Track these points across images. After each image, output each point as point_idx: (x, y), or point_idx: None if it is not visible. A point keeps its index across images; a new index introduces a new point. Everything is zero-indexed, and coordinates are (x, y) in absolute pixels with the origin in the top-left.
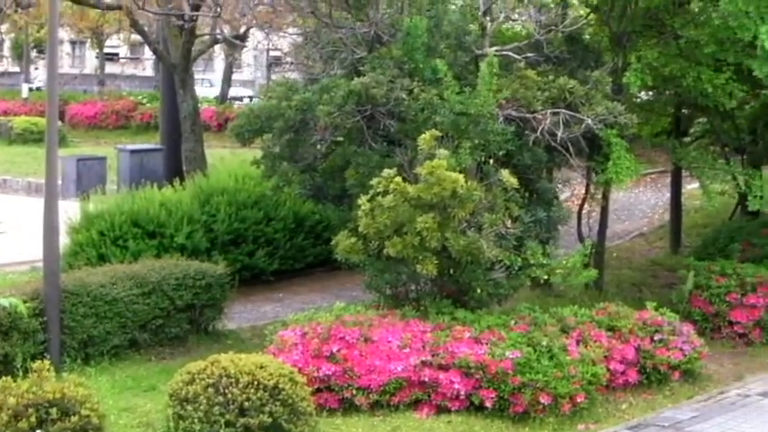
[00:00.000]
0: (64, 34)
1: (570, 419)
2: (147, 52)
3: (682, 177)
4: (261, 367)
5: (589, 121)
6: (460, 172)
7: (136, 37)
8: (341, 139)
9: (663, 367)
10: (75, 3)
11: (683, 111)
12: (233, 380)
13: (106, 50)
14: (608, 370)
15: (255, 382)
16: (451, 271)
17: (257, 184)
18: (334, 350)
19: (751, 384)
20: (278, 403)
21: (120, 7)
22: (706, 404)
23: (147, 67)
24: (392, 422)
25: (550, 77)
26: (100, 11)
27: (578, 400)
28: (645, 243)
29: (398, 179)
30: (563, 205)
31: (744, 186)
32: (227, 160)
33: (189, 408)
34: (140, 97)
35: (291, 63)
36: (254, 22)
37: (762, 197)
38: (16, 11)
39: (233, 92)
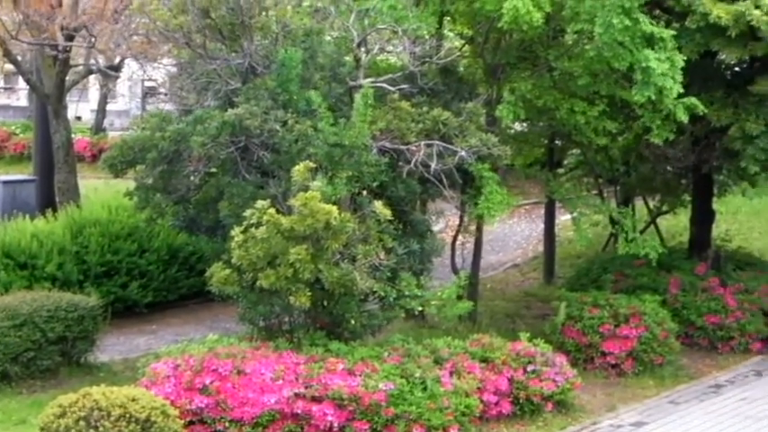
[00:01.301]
0: None
1: None
2: (21, 82)
3: (555, 209)
4: (133, 400)
5: (463, 152)
6: (334, 203)
7: (9, 67)
8: (214, 170)
9: (536, 398)
10: None
11: (557, 142)
12: (104, 413)
13: None
14: (481, 401)
15: (127, 416)
16: (325, 303)
17: (131, 216)
18: (207, 382)
19: (623, 415)
20: None
21: None
22: None
23: (22, 97)
24: None
25: (424, 109)
26: None
27: None
28: (519, 274)
29: (272, 211)
30: (437, 237)
31: (613, 229)
32: (101, 191)
33: None
34: (14, 127)
35: (166, 94)
36: (129, 52)
37: (633, 240)
38: None
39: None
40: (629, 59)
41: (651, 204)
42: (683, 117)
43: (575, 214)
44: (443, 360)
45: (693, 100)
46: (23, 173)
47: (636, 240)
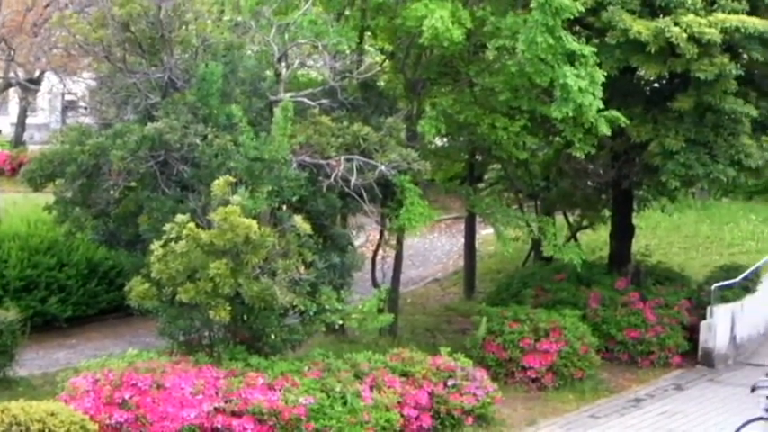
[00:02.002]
0: None
1: None
2: None
3: (476, 223)
4: (52, 414)
5: (382, 167)
6: (254, 218)
7: None
8: (134, 184)
9: (456, 412)
10: None
11: (477, 157)
12: (23, 428)
13: None
14: (402, 415)
15: (46, 430)
16: (245, 317)
17: (50, 230)
18: (127, 397)
19: (543, 429)
20: None
21: None
22: None
23: None
24: None
25: (345, 124)
26: None
27: None
28: (439, 289)
29: (191, 225)
30: (357, 251)
31: (537, 233)
32: (20, 205)
33: None
34: None
35: (85, 107)
36: (49, 65)
37: (556, 244)
38: None
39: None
40: (551, 75)
41: (571, 219)
42: (606, 130)
43: (498, 226)
44: (363, 374)
45: (615, 113)
46: None
47: (559, 246)
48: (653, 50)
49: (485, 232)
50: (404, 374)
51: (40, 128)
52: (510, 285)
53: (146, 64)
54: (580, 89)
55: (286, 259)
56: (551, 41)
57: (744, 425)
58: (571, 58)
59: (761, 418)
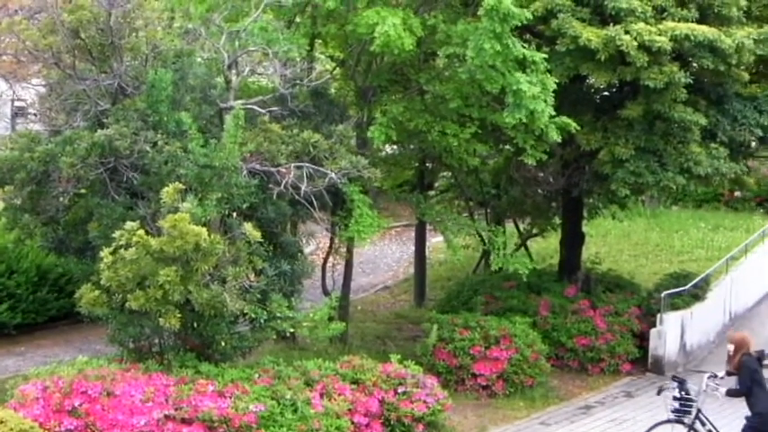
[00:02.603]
0: None
1: None
2: None
3: (426, 231)
4: (1, 422)
5: (333, 175)
6: (204, 225)
7: None
8: (84, 191)
9: (407, 419)
10: None
11: (428, 164)
12: None
13: None
14: (352, 423)
15: None
16: (195, 324)
17: None
18: (76, 404)
19: None
20: None
21: None
22: None
23: None
24: None
25: (295, 131)
26: None
27: None
28: (389, 296)
29: (141, 232)
30: (307, 258)
31: (487, 242)
32: None
33: None
34: None
35: (35, 114)
36: None
37: (504, 255)
38: None
39: None
40: (501, 82)
41: (521, 227)
42: (556, 137)
43: (448, 234)
44: (314, 382)
45: (565, 119)
46: None
47: (507, 257)
48: (603, 58)
49: (435, 240)
50: (354, 382)
51: None
52: (460, 293)
53: (95, 71)
54: (533, 96)
55: (236, 266)
56: (499, 48)
57: (652, 428)
58: (522, 65)
59: (668, 421)
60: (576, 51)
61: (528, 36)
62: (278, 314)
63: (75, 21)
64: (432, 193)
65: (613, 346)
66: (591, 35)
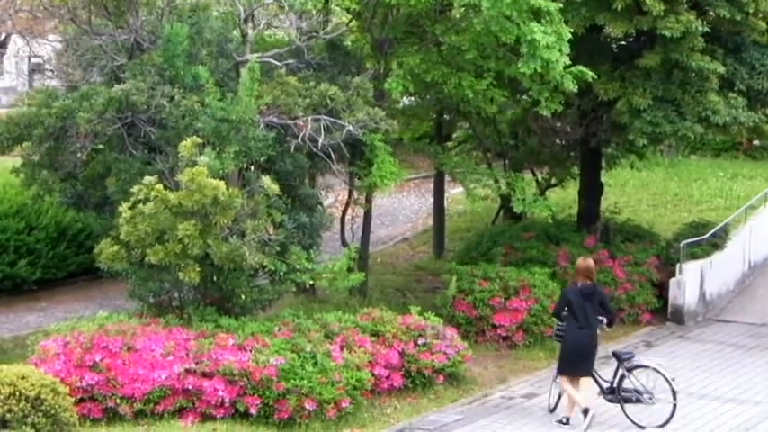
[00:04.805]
0: None
1: (335, 424)
2: None
3: (445, 182)
4: (22, 378)
5: (350, 127)
6: (222, 179)
7: None
8: (101, 146)
9: (427, 371)
10: None
11: (445, 116)
12: None
13: None
14: (372, 375)
15: (17, 393)
16: (215, 278)
17: (18, 193)
18: (97, 359)
19: (515, 387)
20: (40, 414)
21: None
22: (470, 407)
23: None
24: (156, 431)
25: (311, 84)
26: None
27: (343, 405)
28: (408, 248)
29: (159, 186)
30: (326, 211)
31: (506, 190)
32: None
33: None
34: None
35: (52, 70)
36: (14, 28)
37: (525, 199)
38: None
39: None
40: (516, 33)
41: (540, 177)
42: (572, 87)
43: (467, 184)
44: (334, 334)
45: (581, 68)
46: None
47: (529, 202)
48: (619, 8)
49: (454, 191)
50: (374, 334)
51: (7, 91)
52: (479, 244)
53: (111, 26)
54: (547, 45)
55: (254, 220)
56: None
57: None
58: (537, 16)
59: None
60: (593, 1)
61: None
62: (297, 266)
63: None
64: (450, 144)
65: (633, 296)
66: None
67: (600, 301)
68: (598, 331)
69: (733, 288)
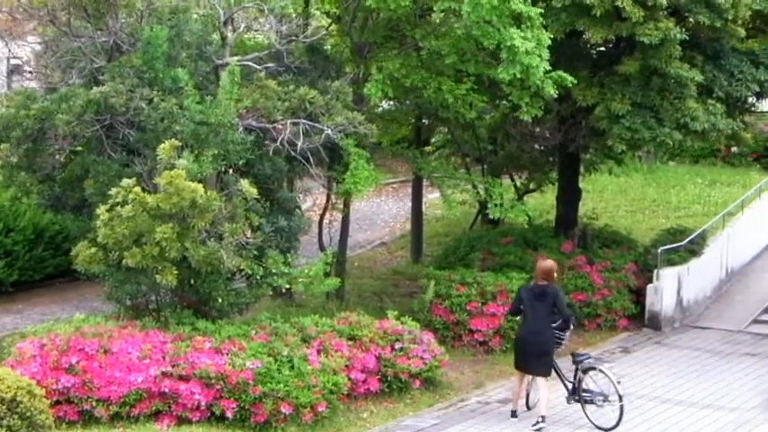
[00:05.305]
0: None
1: (312, 428)
2: None
3: (423, 187)
4: None
5: (329, 131)
6: (200, 182)
7: None
8: (80, 148)
9: (404, 375)
10: None
11: (424, 121)
12: None
13: None
14: (349, 379)
15: None
16: (192, 281)
17: None
18: (74, 362)
19: (491, 392)
20: (15, 416)
21: None
22: (447, 412)
23: None
24: None
25: (291, 87)
26: None
27: (319, 410)
28: (386, 252)
29: (137, 189)
30: (304, 215)
31: (484, 195)
32: None
33: None
34: None
35: (31, 72)
36: None
37: (501, 205)
38: None
39: None
40: (497, 38)
41: (518, 182)
42: (552, 91)
43: (445, 189)
44: (311, 338)
45: (561, 73)
46: None
47: (506, 207)
48: (599, 14)
49: (432, 196)
50: (351, 338)
51: None
52: (457, 249)
53: (91, 28)
54: (527, 51)
55: (233, 223)
56: (496, 2)
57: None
58: (517, 21)
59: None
60: (572, 7)
61: None
62: (274, 270)
63: None
64: (428, 149)
65: (610, 302)
66: None
67: (553, 302)
68: (557, 332)
69: (710, 294)
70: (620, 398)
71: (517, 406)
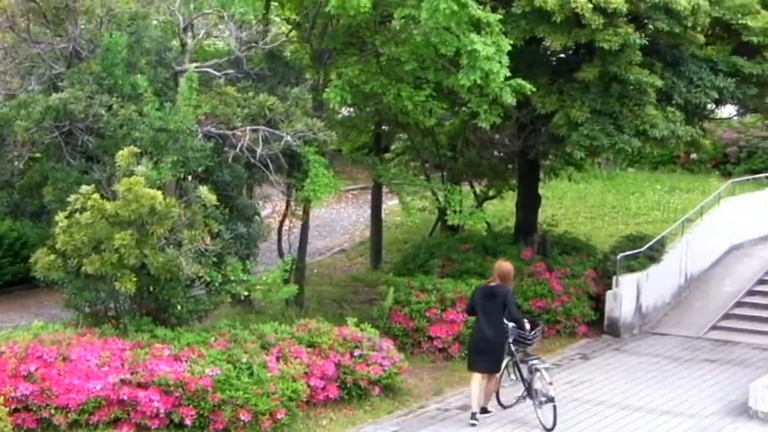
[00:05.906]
0: None
1: None
2: None
3: (382, 194)
4: None
5: (288, 137)
6: (159, 189)
7: None
8: (39, 155)
9: (363, 382)
10: None
11: (384, 127)
12: None
13: None
14: (308, 386)
15: None
16: (151, 288)
17: None
18: (32, 369)
19: (450, 398)
20: None
21: None
22: (406, 418)
23: None
24: None
25: (250, 94)
26: None
27: (279, 417)
28: (346, 259)
29: (96, 196)
30: (263, 222)
31: (443, 202)
32: None
33: None
34: None
35: None
36: None
37: (461, 212)
38: None
39: None
40: (456, 44)
41: (478, 189)
42: (511, 99)
43: (404, 196)
44: (270, 345)
45: (520, 81)
46: None
47: (464, 214)
48: (559, 20)
49: (391, 203)
50: (310, 345)
51: None
52: (417, 256)
53: (50, 34)
54: (487, 56)
55: (192, 230)
56: (455, 8)
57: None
58: (477, 27)
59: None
60: (532, 13)
61: None
62: (233, 277)
63: None
64: (388, 155)
65: (569, 309)
66: None
67: (503, 302)
68: (509, 333)
69: (669, 301)
70: (551, 399)
71: (477, 409)
